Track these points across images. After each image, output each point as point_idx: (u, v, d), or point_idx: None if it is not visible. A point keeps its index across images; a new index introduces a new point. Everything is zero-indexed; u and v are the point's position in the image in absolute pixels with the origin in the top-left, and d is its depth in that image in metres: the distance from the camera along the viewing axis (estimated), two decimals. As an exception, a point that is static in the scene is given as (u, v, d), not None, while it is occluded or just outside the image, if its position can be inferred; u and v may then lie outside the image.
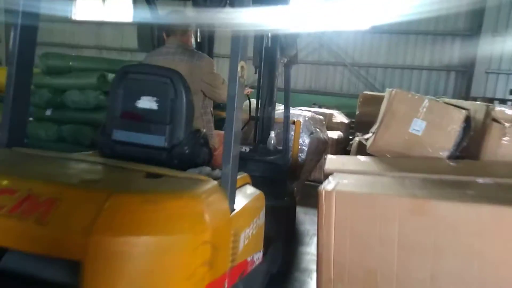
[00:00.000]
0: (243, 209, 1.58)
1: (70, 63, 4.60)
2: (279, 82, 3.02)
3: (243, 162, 2.20)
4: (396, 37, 9.18)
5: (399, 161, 2.52)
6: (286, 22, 2.57)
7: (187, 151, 1.72)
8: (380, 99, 3.36)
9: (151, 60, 2.22)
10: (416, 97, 2.73)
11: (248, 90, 2.97)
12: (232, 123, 1.45)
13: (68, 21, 11.35)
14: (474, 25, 8.56)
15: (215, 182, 1.45)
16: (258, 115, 3.01)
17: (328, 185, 1.74)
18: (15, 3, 1.64)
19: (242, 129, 3.60)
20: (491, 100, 6.77)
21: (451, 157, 2.63)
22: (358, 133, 4.86)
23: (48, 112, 4.66)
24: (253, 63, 2.96)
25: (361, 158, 2.63)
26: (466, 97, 7.53)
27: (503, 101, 7.13)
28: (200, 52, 2.34)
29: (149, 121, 1.69)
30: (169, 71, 1.73)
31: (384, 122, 2.74)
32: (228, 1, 2.17)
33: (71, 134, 4.43)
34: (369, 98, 4.68)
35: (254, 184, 1.94)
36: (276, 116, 3.10)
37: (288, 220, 3.18)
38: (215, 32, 3.00)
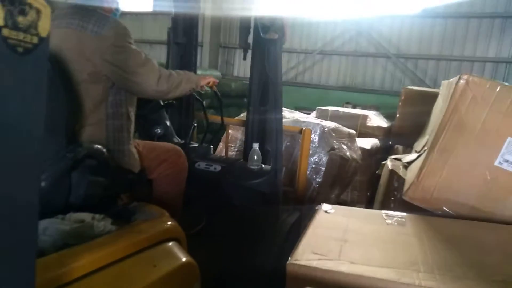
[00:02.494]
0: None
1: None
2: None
3: (210, 188, 1.86)
4: (453, 22, 7.56)
5: (472, 236, 1.13)
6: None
7: (44, 184, 1.08)
8: (429, 97, 2.33)
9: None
10: (514, 91, 1.30)
11: (209, 79, 2.11)
12: None
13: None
14: (560, 3, 6.75)
15: None
16: (249, 118, 2.35)
17: None
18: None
19: (211, 139, 2.63)
20: None
21: None
22: (396, 146, 3.46)
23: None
24: (239, 44, 2.39)
25: (387, 218, 1.25)
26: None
27: None
28: (108, 15, 1.61)
29: None
30: None
31: (441, 142, 1.34)
32: None
33: None
34: (413, 94, 3.34)
35: (216, 225, 1.43)
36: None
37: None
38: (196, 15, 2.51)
